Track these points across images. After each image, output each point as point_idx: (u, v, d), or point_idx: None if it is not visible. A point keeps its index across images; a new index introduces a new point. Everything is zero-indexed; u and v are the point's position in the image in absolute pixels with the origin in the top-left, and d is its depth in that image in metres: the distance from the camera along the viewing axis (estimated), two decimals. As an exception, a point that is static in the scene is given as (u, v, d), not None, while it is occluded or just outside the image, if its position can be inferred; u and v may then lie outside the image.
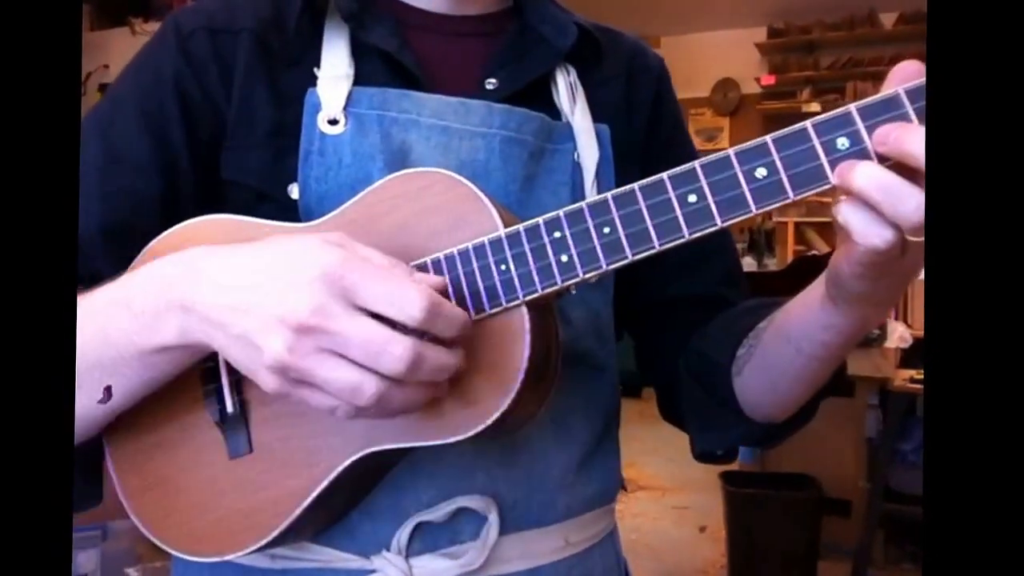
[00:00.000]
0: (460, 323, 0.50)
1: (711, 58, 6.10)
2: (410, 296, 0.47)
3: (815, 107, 5.68)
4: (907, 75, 0.45)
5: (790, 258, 5.25)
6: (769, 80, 6.00)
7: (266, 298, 0.47)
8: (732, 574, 2.72)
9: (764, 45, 6.02)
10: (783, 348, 0.61)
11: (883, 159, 0.44)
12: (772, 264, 5.39)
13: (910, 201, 0.43)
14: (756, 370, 0.66)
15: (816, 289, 0.57)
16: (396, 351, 0.46)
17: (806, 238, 5.49)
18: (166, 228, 0.62)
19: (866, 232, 0.45)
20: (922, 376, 2.66)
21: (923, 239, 0.43)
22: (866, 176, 0.44)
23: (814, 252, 4.96)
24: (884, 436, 2.70)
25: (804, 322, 0.59)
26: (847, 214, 0.45)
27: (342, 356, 0.47)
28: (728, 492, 2.68)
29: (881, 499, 2.62)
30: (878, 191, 0.43)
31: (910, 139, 0.42)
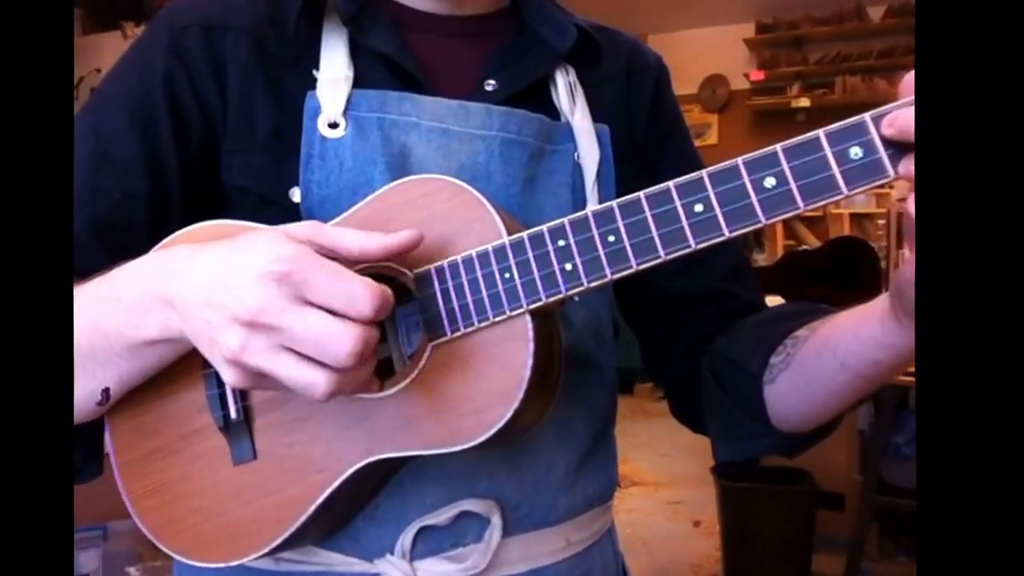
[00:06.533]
0: None
1: (699, 55, 6.10)
2: (361, 293, 0.47)
3: (804, 102, 5.70)
4: None
5: (780, 253, 5.26)
6: (758, 76, 6.00)
7: (226, 294, 0.48)
8: (726, 568, 2.73)
9: (753, 41, 6.02)
10: (827, 361, 0.59)
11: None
12: (762, 259, 5.39)
13: None
14: (792, 380, 0.63)
15: (877, 305, 0.55)
16: (346, 345, 0.47)
17: (796, 233, 5.50)
18: (156, 226, 0.62)
19: None
20: (914, 369, 2.66)
21: None
22: None
23: (804, 247, 4.97)
24: (876, 429, 2.71)
25: (857, 338, 0.57)
26: None
27: (295, 352, 0.47)
28: (722, 486, 2.68)
29: (874, 492, 2.63)
30: None
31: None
